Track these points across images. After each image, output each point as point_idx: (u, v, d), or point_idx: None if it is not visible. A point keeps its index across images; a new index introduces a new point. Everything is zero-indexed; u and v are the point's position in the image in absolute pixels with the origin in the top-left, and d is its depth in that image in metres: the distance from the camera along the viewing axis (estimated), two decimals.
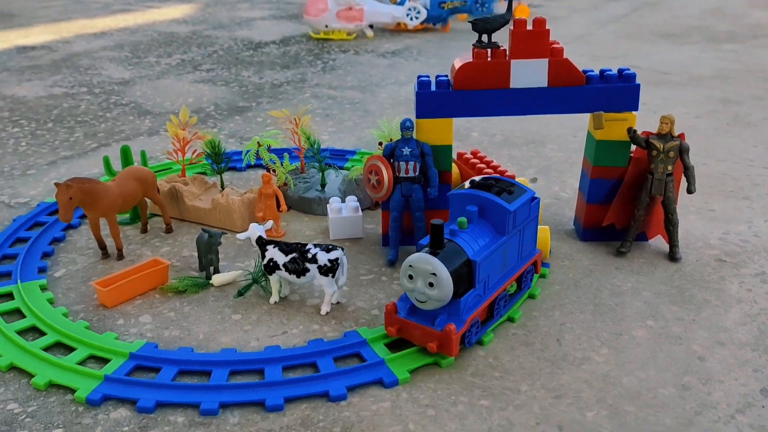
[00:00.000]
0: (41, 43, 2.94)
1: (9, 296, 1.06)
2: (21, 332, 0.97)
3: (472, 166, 1.30)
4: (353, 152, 1.62)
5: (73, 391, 0.86)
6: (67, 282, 1.11)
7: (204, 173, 1.48)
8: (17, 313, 1.02)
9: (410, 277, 0.88)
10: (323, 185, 1.35)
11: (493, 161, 1.31)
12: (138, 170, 1.20)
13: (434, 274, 0.86)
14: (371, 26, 2.90)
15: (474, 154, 1.34)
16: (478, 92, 1.11)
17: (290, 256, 0.99)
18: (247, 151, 1.35)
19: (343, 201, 1.30)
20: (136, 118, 1.92)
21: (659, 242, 1.20)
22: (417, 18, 2.85)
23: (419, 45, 2.78)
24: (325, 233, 1.25)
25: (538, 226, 1.11)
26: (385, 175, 1.12)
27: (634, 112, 1.13)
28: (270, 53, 2.67)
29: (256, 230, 1.03)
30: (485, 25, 1.10)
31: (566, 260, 1.15)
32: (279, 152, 1.52)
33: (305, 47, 2.76)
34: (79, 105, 2.05)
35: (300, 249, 0.99)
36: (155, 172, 1.50)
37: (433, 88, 1.12)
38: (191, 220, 1.30)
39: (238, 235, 1.03)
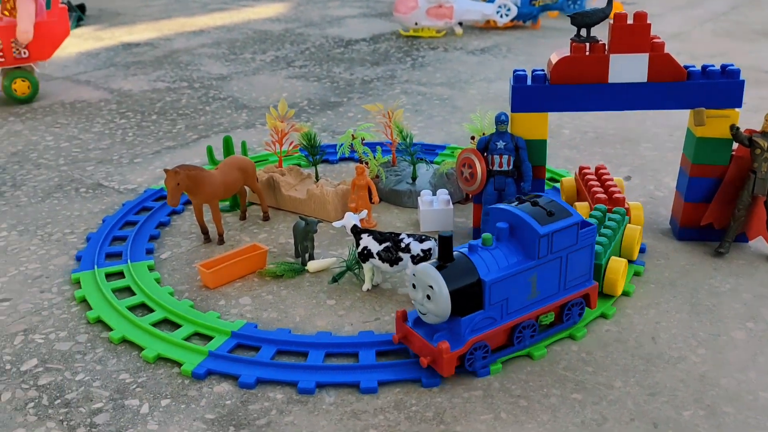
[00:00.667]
0: (144, 40, 3.09)
1: (120, 275, 1.13)
2: (131, 308, 1.04)
3: (586, 182, 1.22)
4: (443, 147, 1.63)
5: (179, 364, 0.91)
6: (172, 263, 1.17)
7: (298, 164, 1.53)
8: (128, 291, 1.09)
9: (414, 285, 0.85)
10: (414, 178, 1.38)
11: (611, 181, 1.20)
12: (240, 160, 1.25)
13: (432, 287, 0.82)
14: (460, 24, 2.90)
15: (597, 170, 1.25)
16: (575, 87, 1.10)
17: (384, 245, 1.01)
18: (341, 144, 1.38)
19: (434, 194, 1.31)
20: (234, 112, 2.00)
21: (760, 244, 1.16)
22: (507, 15, 2.84)
23: (508, 42, 2.76)
24: (415, 225, 1.27)
25: (630, 225, 1.09)
26: (479, 168, 1.13)
27: (737, 109, 1.10)
28: (360, 50, 2.72)
29: (351, 219, 1.06)
30: (584, 19, 1.09)
31: (662, 259, 1.13)
32: (371, 145, 1.55)
33: (394, 44, 2.79)
34: (180, 99, 2.15)
35: (394, 238, 1.01)
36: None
37: (529, 82, 1.12)
38: (287, 209, 1.34)
39: (334, 223, 1.06)
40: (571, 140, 1.69)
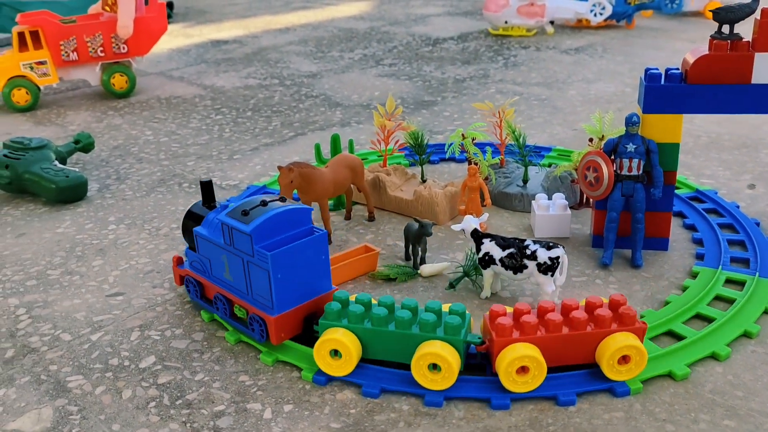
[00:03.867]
0: (232, 37, 3.12)
1: None
2: None
3: None
4: (548, 149, 1.57)
5: (299, 369, 0.88)
6: None
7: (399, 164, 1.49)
8: None
9: None
10: (525, 181, 1.32)
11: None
12: (349, 158, 1.22)
13: None
14: (552, 22, 2.82)
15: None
16: (714, 87, 1.03)
17: (507, 251, 0.96)
18: (451, 143, 1.34)
19: (549, 198, 1.25)
20: (327, 110, 1.98)
21: None
22: (601, 14, 2.74)
23: (603, 42, 2.66)
24: (527, 230, 1.22)
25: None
26: (606, 172, 1.07)
27: None
28: (449, 49, 2.67)
29: (471, 223, 1.01)
30: (728, 15, 1.01)
31: None
32: (481, 146, 1.50)
33: (484, 43, 2.73)
34: (273, 96, 2.15)
35: (518, 245, 0.96)
36: None
37: (662, 81, 1.05)
38: (392, 210, 1.31)
39: (453, 226, 1.02)
40: (684, 145, 1.59)
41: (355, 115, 1.92)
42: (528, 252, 0.95)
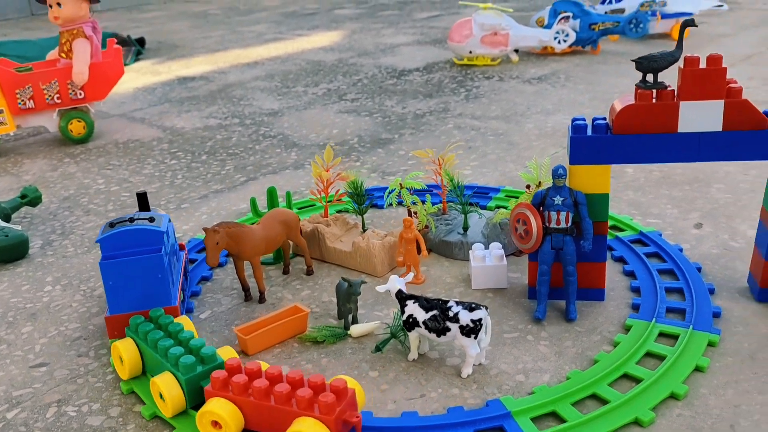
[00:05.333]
0: (200, 73, 3.11)
1: None
2: None
3: None
4: (497, 190, 1.55)
5: None
6: (212, 324, 1.13)
7: (346, 210, 1.47)
8: None
9: None
10: (465, 228, 1.30)
11: None
12: (283, 213, 1.20)
13: None
14: (516, 51, 2.82)
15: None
16: (641, 137, 1.01)
17: (430, 314, 0.94)
18: (390, 192, 1.32)
19: (486, 247, 1.23)
20: (283, 151, 1.97)
21: None
22: (565, 41, 2.74)
23: (567, 69, 2.66)
24: (466, 281, 1.20)
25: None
26: (534, 225, 1.05)
27: None
28: (413, 81, 2.66)
29: (396, 283, 0.99)
30: (651, 64, 1.00)
31: (740, 326, 1.02)
32: (422, 192, 1.49)
33: (448, 74, 2.73)
34: (231, 137, 2.13)
35: (441, 306, 0.94)
36: (299, 208, 1.52)
37: (589, 132, 1.04)
38: (332, 261, 1.29)
39: (378, 288, 1.00)
40: (635, 181, 1.58)
41: (310, 156, 1.90)
42: (450, 314, 0.93)
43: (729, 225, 1.34)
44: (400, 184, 1.29)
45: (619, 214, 1.41)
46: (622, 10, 3.05)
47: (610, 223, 1.36)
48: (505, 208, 1.47)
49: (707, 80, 0.97)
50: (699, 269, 1.17)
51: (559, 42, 2.75)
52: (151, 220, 1.10)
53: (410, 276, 1.02)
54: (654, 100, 1.00)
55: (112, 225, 1.08)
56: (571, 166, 1.05)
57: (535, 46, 2.80)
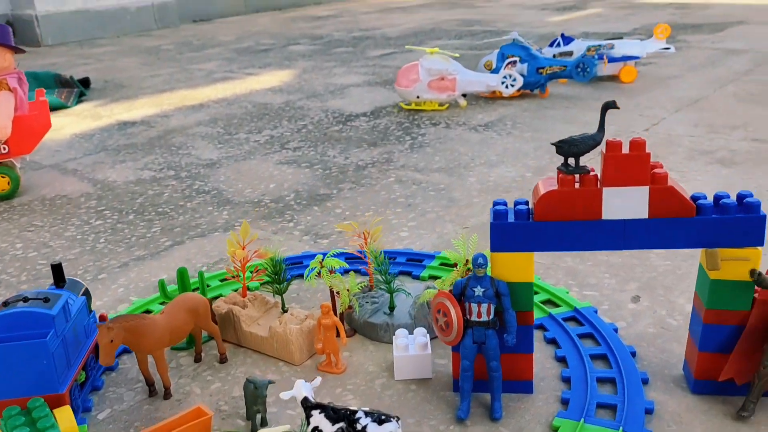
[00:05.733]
0: (142, 117, 3.01)
1: None
2: None
3: None
4: (433, 256, 1.48)
5: None
6: (109, 427, 1.03)
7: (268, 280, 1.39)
8: None
9: None
10: (392, 308, 1.22)
11: None
12: (190, 300, 1.11)
13: None
14: (464, 95, 2.78)
15: None
16: (563, 224, 0.95)
17: (337, 426, 0.86)
18: (311, 270, 1.24)
19: (411, 331, 1.16)
20: (215, 209, 1.88)
21: None
22: (513, 86, 2.70)
23: (514, 115, 2.62)
24: (389, 369, 1.12)
25: None
26: (454, 317, 0.98)
27: (758, 248, 0.93)
28: (359, 127, 2.60)
29: (301, 390, 0.91)
30: (571, 149, 0.94)
31: (673, 424, 0.95)
32: (354, 264, 1.41)
33: (395, 119, 2.67)
34: (163, 192, 2.04)
35: (349, 417, 0.86)
36: (221, 280, 1.43)
37: (510, 218, 0.97)
38: (249, 347, 1.20)
39: (282, 395, 0.91)
40: None
41: (243, 215, 1.82)
42: (358, 427, 0.85)
43: (667, 298, 1.29)
44: (320, 263, 1.21)
45: (556, 285, 1.35)
46: (571, 53, 3.04)
47: (544, 297, 1.30)
48: (438, 277, 1.40)
49: (630, 166, 0.92)
50: (633, 354, 1.11)
51: (506, 86, 2.72)
52: (46, 300, 1.05)
53: (318, 381, 0.94)
54: (576, 185, 0.95)
55: (5, 304, 1.05)
56: (493, 253, 0.98)
57: (482, 90, 2.76)
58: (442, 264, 1.45)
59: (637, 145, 0.91)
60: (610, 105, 0.93)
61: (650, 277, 1.37)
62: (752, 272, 0.92)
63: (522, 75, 2.77)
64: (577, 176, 0.95)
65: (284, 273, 1.24)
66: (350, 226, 1.27)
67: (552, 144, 0.96)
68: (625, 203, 0.93)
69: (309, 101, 3.10)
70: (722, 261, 0.93)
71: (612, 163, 0.92)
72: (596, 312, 1.23)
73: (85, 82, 3.76)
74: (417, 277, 1.42)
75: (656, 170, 0.93)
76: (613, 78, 3.06)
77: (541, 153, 2.16)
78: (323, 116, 2.80)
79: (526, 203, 0.99)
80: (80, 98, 3.51)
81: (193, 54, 4.79)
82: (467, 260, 1.16)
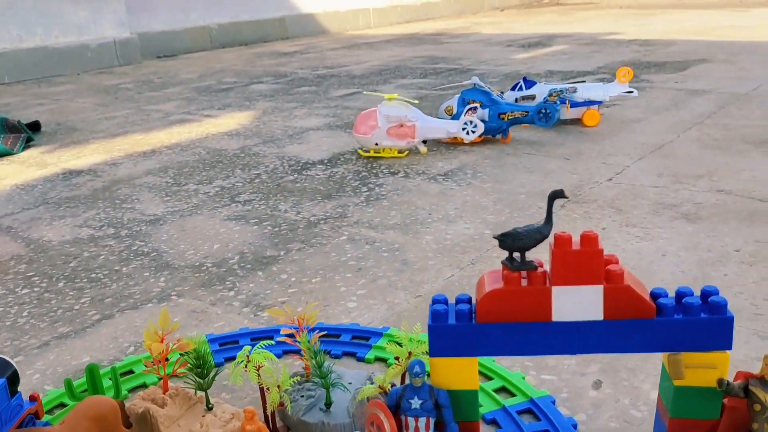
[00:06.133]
0: (90, 165, 2.88)
1: None
2: None
3: None
4: (380, 333, 1.37)
5: None
6: None
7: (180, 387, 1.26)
8: None
9: None
10: (328, 405, 1.10)
11: None
12: (95, 406, 0.98)
13: None
14: (425, 142, 2.69)
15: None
16: (509, 326, 0.84)
17: None
18: (237, 364, 1.12)
19: (355, 430, 1.04)
20: (152, 275, 1.75)
21: None
22: (474, 132, 2.62)
23: (475, 162, 2.54)
24: None
25: None
26: (389, 431, 0.86)
27: (727, 351, 0.84)
28: (315, 177, 2.49)
29: None
30: (516, 243, 0.84)
31: None
32: (292, 349, 1.29)
33: (353, 168, 2.57)
34: (100, 254, 1.90)
35: None
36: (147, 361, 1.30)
37: (451, 318, 0.87)
38: None
39: None
40: None
41: (180, 282, 1.69)
42: None
43: (631, 383, 1.19)
44: (247, 357, 1.09)
45: (511, 368, 1.24)
46: (533, 97, 2.98)
47: (498, 384, 1.19)
48: (384, 360, 1.29)
49: (582, 263, 0.82)
50: None
51: (467, 133, 2.64)
52: None
53: None
54: (523, 283, 0.84)
55: None
56: (432, 359, 0.87)
57: (443, 137, 2.68)
58: (390, 342, 1.33)
59: (589, 240, 0.81)
60: (557, 194, 0.84)
61: (613, 357, 1.27)
62: (720, 382, 0.82)
63: (483, 120, 2.70)
64: (524, 273, 0.85)
65: (209, 366, 1.12)
66: (281, 312, 1.15)
67: (494, 237, 0.85)
68: (578, 304, 0.83)
69: (266, 147, 2.99)
70: (686, 369, 0.83)
71: (561, 260, 0.82)
72: (554, 402, 1.13)
73: (35, 126, 3.62)
74: (362, 359, 1.30)
75: (611, 267, 0.83)
76: (577, 122, 3.01)
77: (500, 207, 2.07)
78: (278, 164, 2.69)
79: (469, 300, 0.89)
80: (28, 143, 3.37)
81: (153, 93, 4.67)
82: (410, 353, 1.05)
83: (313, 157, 2.77)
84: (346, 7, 8.56)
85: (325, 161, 2.69)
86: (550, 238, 0.84)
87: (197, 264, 1.80)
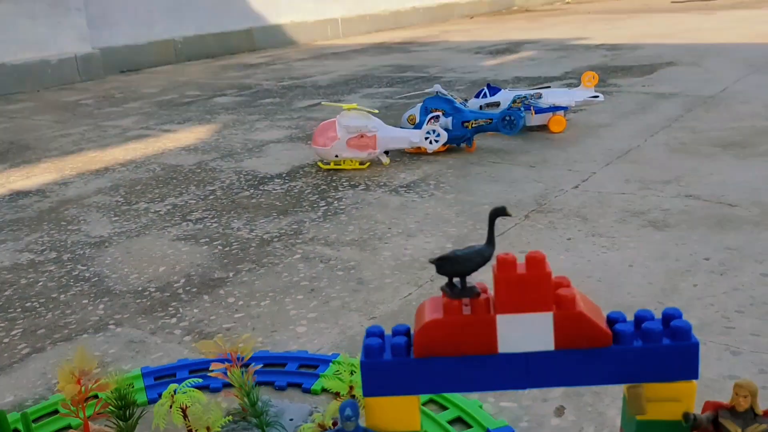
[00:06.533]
0: (39, 185, 2.75)
1: None
2: None
3: None
4: (329, 361, 1.27)
5: None
6: None
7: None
8: None
9: None
10: None
11: None
12: None
13: None
14: (387, 152, 2.60)
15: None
16: (450, 361, 0.75)
17: None
18: (163, 404, 1.01)
19: None
20: (90, 302, 1.63)
21: None
22: (437, 141, 2.54)
23: (438, 173, 2.45)
24: None
25: None
26: None
27: (693, 381, 0.75)
28: (271, 192, 2.39)
29: None
30: (454, 267, 0.75)
31: None
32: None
33: (312, 181, 2.47)
34: (38, 280, 1.78)
35: None
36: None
37: (386, 353, 0.77)
38: None
39: None
40: None
41: (120, 309, 1.58)
42: None
43: (595, 408, 1.10)
44: (172, 395, 0.99)
45: (468, 396, 1.15)
46: (498, 104, 2.91)
47: (453, 415, 1.10)
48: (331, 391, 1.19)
49: (529, 288, 0.73)
50: None
51: (430, 142, 2.55)
52: None
53: None
54: (464, 311, 0.75)
55: None
56: (366, 398, 0.78)
57: (405, 147, 2.59)
58: (337, 372, 1.23)
59: (536, 262, 0.73)
60: (499, 212, 0.75)
61: None
62: (686, 416, 0.74)
63: (447, 129, 2.62)
64: (466, 300, 0.76)
65: (132, 408, 1.01)
66: (212, 345, 1.05)
67: (430, 262, 0.76)
68: (526, 333, 0.74)
69: (223, 161, 2.88)
70: (648, 402, 0.74)
71: (505, 285, 0.73)
72: None
73: None
74: (308, 391, 1.20)
75: (561, 291, 0.74)
76: (543, 128, 2.94)
77: (463, 219, 1.99)
78: (235, 179, 2.59)
79: (407, 332, 0.79)
80: None
81: (112, 109, 4.53)
82: (351, 386, 0.96)
83: (271, 170, 2.67)
84: (314, 17, 8.48)
85: (284, 175, 2.59)
86: (493, 260, 0.75)
87: (140, 289, 1.69)
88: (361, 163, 2.58)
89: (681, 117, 3.06)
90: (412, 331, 0.79)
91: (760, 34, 5.67)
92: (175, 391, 0.99)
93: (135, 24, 6.76)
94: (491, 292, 0.76)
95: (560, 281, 0.76)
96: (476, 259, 0.74)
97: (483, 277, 0.79)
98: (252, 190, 2.43)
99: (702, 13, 7.97)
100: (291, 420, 1.08)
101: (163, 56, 7.02)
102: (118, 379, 1.02)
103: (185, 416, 0.99)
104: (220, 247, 1.92)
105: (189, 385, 1.02)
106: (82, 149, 3.38)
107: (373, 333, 0.79)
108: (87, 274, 1.81)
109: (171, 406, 0.98)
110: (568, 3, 11.78)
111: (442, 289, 0.76)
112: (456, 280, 0.76)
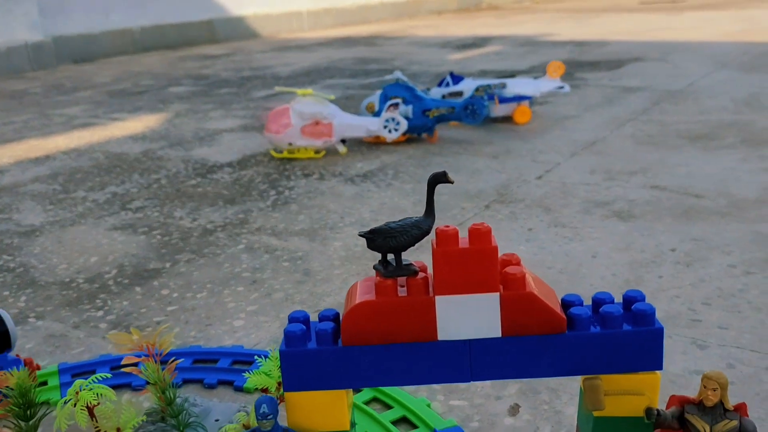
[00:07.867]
0: None
1: None
2: None
3: None
4: (266, 355, 1.15)
5: None
6: None
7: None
8: None
9: None
10: None
11: None
12: None
13: None
14: (344, 141, 2.49)
15: None
16: (383, 349, 0.65)
17: None
18: (67, 402, 0.89)
19: None
20: (12, 294, 1.49)
21: None
22: (396, 130, 2.44)
23: (397, 163, 2.35)
24: None
25: None
26: None
27: (657, 372, 0.66)
28: (219, 180, 2.26)
29: None
30: (387, 242, 0.64)
31: None
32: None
33: (263, 170, 2.35)
34: None
35: None
36: None
37: (311, 342, 0.67)
38: None
39: None
40: None
41: (44, 301, 1.45)
42: None
43: (552, 407, 1.01)
44: (77, 392, 0.87)
45: (415, 393, 1.05)
46: (461, 93, 2.82)
47: (398, 414, 0.99)
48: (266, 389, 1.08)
49: (472, 265, 0.63)
50: None
51: (390, 131, 2.45)
52: None
53: None
54: (399, 293, 0.65)
55: None
56: (287, 393, 0.67)
57: (363, 135, 2.48)
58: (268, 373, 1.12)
59: (480, 235, 0.63)
60: (439, 178, 0.65)
61: None
62: (648, 412, 0.64)
63: (407, 118, 2.52)
64: (402, 279, 0.65)
65: (36, 407, 0.89)
66: (127, 338, 0.93)
67: (360, 235, 0.66)
68: (468, 317, 0.64)
69: (172, 150, 2.74)
70: (606, 396, 0.65)
71: (445, 262, 0.63)
72: None
73: None
74: (240, 389, 1.09)
75: (509, 269, 0.64)
76: (508, 119, 2.86)
77: (420, 209, 1.89)
78: (182, 168, 2.46)
79: (335, 317, 0.69)
80: None
81: (61, 98, 4.34)
82: (279, 384, 0.85)
83: (221, 159, 2.54)
84: (279, 9, 8.33)
85: (234, 163, 2.47)
86: (432, 234, 0.65)
87: (67, 280, 1.55)
88: (316, 152, 2.46)
89: (648, 110, 3.00)
90: (341, 317, 0.68)
91: (727, 33, 5.69)
92: (81, 388, 0.87)
93: (90, 12, 6.53)
94: (431, 271, 0.66)
95: (509, 259, 0.66)
96: (412, 231, 0.64)
97: (424, 257, 0.69)
98: (199, 179, 2.30)
99: (670, 13, 8.01)
100: (217, 420, 0.96)
101: (119, 46, 6.80)
102: (18, 375, 0.89)
103: (92, 416, 0.87)
104: (159, 237, 1.79)
105: (97, 381, 0.90)
106: (23, 137, 3.21)
107: (296, 318, 0.68)
108: (12, 265, 1.66)
109: (75, 405, 0.86)
110: (537, 2, 11.80)
111: (375, 267, 0.66)
112: (390, 257, 0.66)
